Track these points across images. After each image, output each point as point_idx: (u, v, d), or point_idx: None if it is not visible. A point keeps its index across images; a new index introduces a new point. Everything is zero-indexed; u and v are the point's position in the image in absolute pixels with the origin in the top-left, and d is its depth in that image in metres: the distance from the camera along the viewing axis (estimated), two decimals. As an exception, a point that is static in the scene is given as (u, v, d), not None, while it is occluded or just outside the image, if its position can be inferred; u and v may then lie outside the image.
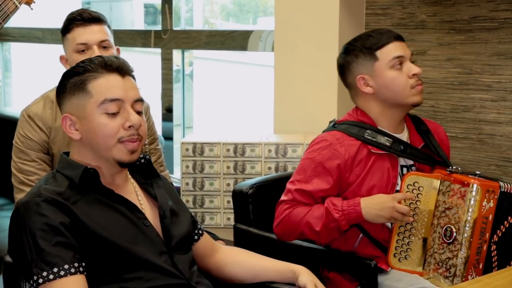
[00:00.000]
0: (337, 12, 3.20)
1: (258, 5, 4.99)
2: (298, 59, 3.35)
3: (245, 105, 5.06)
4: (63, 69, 2.78)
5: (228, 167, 3.09)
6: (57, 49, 5.04)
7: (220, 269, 2.02)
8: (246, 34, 3.78)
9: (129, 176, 1.88)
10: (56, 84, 2.62)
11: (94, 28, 2.48)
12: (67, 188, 1.72)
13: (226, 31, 3.93)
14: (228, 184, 3.10)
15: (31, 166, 2.48)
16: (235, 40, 3.83)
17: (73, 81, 1.77)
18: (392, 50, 2.25)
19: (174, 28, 4.07)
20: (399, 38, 2.29)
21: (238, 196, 2.57)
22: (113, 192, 1.77)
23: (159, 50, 4.16)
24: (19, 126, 2.53)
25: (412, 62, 2.27)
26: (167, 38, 4.08)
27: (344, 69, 2.34)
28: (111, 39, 2.54)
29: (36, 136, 2.49)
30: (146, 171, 1.91)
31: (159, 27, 4.14)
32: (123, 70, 1.78)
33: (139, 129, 1.77)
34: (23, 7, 2.60)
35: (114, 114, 1.74)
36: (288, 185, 2.31)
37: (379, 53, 2.25)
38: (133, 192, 1.85)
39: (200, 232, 2.01)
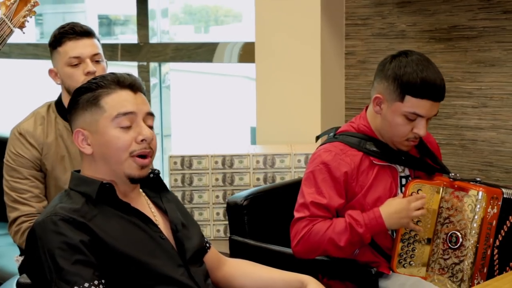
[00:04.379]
0: (318, 22, 3.24)
1: (209, 14, 5.02)
2: (280, 70, 3.37)
3: (220, 115, 5.06)
4: (47, 85, 2.76)
5: (216, 179, 3.09)
6: (25, 64, 4.92)
7: (229, 281, 2.02)
8: (212, 46, 3.85)
9: (140, 190, 1.89)
10: (44, 100, 2.61)
11: (86, 41, 2.48)
12: (84, 205, 1.72)
13: (192, 45, 3.99)
14: (217, 196, 3.10)
15: (23, 184, 2.45)
16: (199, 56, 3.92)
17: (86, 97, 1.78)
18: (418, 105, 2.16)
19: (150, 41, 4.08)
20: (437, 98, 2.18)
21: (232, 208, 2.57)
22: (130, 206, 1.77)
23: (127, 63, 4.18)
24: (10, 144, 2.50)
25: (429, 119, 2.22)
26: (135, 51, 4.11)
27: (379, 72, 2.25)
28: (102, 52, 2.53)
29: (28, 154, 2.46)
30: (155, 185, 1.92)
31: (113, 39, 4.15)
32: (135, 86, 1.80)
33: (151, 143, 1.78)
34: (17, 31, 2.62)
35: (127, 128, 1.75)
36: (301, 200, 2.27)
37: (407, 98, 2.16)
38: (146, 205, 1.85)
39: (208, 245, 2.01)
